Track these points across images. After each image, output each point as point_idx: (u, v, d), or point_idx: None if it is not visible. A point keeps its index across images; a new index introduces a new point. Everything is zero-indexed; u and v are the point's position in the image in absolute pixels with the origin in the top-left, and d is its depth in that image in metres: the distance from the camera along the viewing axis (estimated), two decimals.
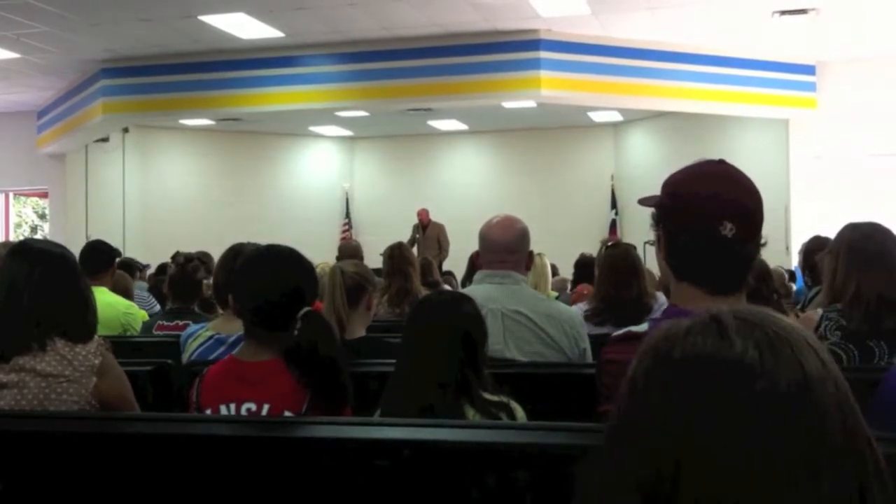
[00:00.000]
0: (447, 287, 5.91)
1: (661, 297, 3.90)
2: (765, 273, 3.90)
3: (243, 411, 2.04)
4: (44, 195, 14.11)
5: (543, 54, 9.25)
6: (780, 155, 10.75)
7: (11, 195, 14.44)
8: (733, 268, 1.55)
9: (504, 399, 2.10)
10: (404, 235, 11.27)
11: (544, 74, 9.27)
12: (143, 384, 2.46)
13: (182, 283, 4.08)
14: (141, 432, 1.87)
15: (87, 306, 2.23)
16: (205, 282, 4.22)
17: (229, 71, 10.15)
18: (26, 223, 17.98)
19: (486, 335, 2.21)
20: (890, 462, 0.74)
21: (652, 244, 1.66)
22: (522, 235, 2.95)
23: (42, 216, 17.25)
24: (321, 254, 6.08)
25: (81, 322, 2.19)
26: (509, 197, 13.26)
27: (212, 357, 2.82)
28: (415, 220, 12.44)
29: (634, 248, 4.03)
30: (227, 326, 2.94)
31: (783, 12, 8.50)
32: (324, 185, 15.18)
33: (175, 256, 4.24)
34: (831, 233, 2.90)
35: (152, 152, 13.80)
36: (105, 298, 4.09)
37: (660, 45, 9.56)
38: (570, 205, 14.00)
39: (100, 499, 1.78)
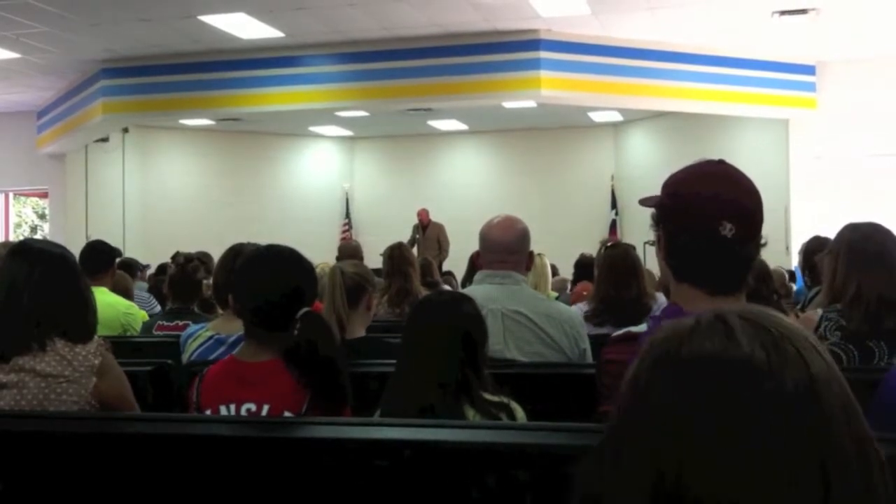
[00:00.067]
0: (447, 287, 5.91)
1: (661, 298, 3.90)
2: (765, 273, 3.90)
3: (243, 411, 2.04)
4: (44, 195, 14.11)
5: (543, 54, 9.25)
6: (779, 155, 10.75)
7: (11, 195, 14.44)
8: (733, 268, 1.55)
9: (504, 399, 2.10)
10: (404, 235, 11.27)
11: (544, 74, 9.27)
12: (143, 384, 2.46)
13: (182, 283, 4.08)
14: (141, 432, 1.87)
15: (87, 306, 2.23)
16: (205, 282, 4.22)
17: (229, 71, 10.15)
18: (26, 223, 17.99)
19: (486, 335, 2.21)
20: (890, 463, 0.74)
21: (652, 244, 1.66)
22: (523, 236, 2.95)
23: (42, 216, 17.25)
24: (321, 254, 6.08)
25: (81, 322, 2.19)
26: (509, 197, 13.26)
27: (212, 357, 2.82)
28: (415, 221, 12.44)
29: (634, 248, 4.03)
30: (227, 327, 2.94)
31: (783, 12, 8.50)
32: (324, 185, 15.18)
33: (175, 257, 4.24)
34: (831, 233, 2.90)
35: (152, 152, 13.80)
36: (105, 299, 4.09)
37: (660, 46, 9.57)
38: (570, 205, 13.99)
39: (100, 499, 1.78)
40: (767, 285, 3.87)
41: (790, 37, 9.34)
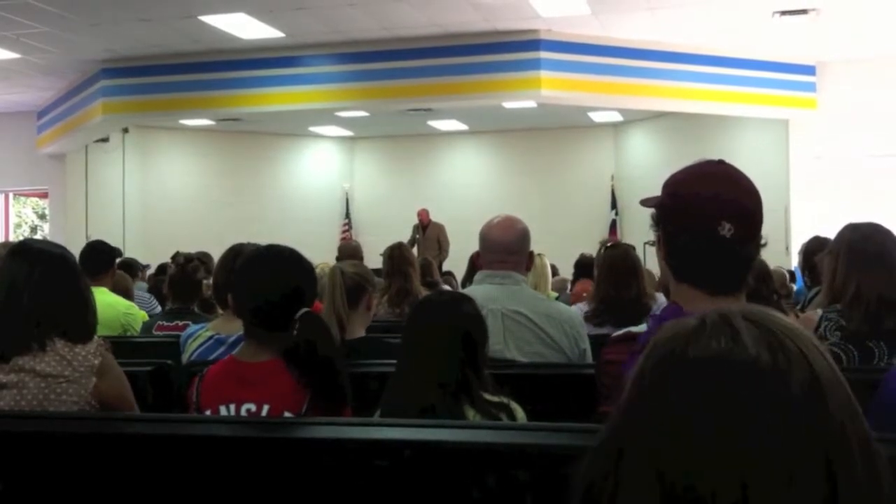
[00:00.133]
0: (447, 287, 5.91)
1: (661, 298, 3.90)
2: (764, 273, 3.90)
3: (243, 412, 2.04)
4: (44, 195, 14.10)
5: (543, 54, 9.25)
6: (779, 155, 10.75)
7: (11, 195, 14.44)
8: (733, 268, 1.55)
9: (504, 400, 2.10)
10: (404, 236, 11.27)
11: (544, 75, 9.27)
12: (142, 384, 2.46)
13: (182, 283, 4.08)
14: (140, 433, 1.87)
15: (87, 306, 2.23)
16: (205, 282, 4.22)
17: (229, 71, 10.15)
18: (26, 223, 17.98)
19: (486, 335, 2.21)
20: (890, 463, 0.74)
21: (652, 245, 1.66)
22: (523, 236, 2.95)
23: (42, 216, 17.24)
24: (321, 254, 6.08)
25: (81, 322, 2.19)
26: (509, 197, 13.26)
27: (212, 357, 2.82)
28: (415, 221, 12.45)
29: (633, 248, 4.04)
30: (227, 327, 2.94)
31: (783, 12, 8.50)
32: (324, 185, 15.18)
33: (175, 257, 4.24)
34: (831, 233, 2.90)
35: (152, 152, 13.80)
36: (105, 299, 4.09)
37: (660, 46, 9.57)
38: (571, 205, 13.99)
39: (100, 499, 1.78)
40: (767, 285, 3.87)
41: (790, 37, 9.34)
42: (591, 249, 6.17)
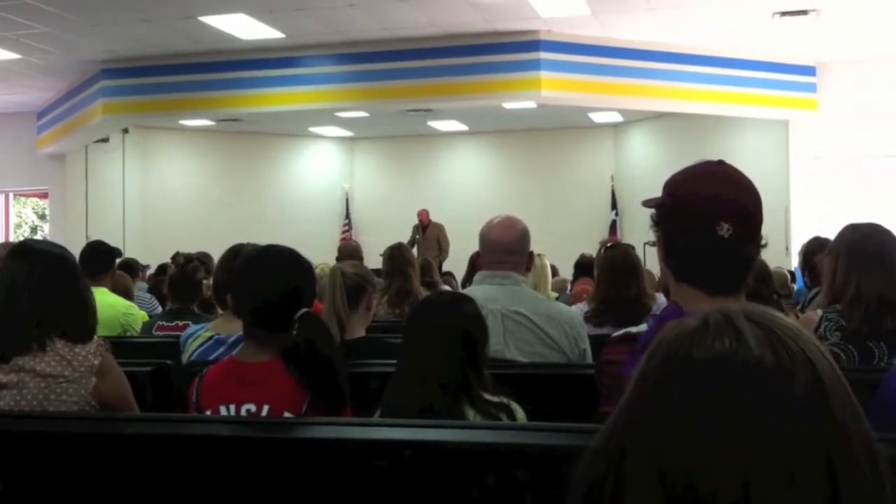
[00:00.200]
0: (447, 287, 5.91)
1: (661, 298, 3.90)
2: (764, 274, 3.90)
3: (243, 412, 2.04)
4: (44, 196, 14.11)
5: (543, 55, 9.26)
6: (780, 156, 10.75)
7: (11, 195, 14.44)
8: (732, 268, 1.55)
9: (504, 400, 2.10)
10: (404, 236, 11.27)
11: (544, 75, 9.27)
12: (142, 385, 2.45)
13: (182, 283, 4.08)
14: (140, 433, 1.87)
15: (87, 307, 2.23)
16: (205, 282, 4.22)
17: (229, 72, 10.15)
18: (26, 224, 17.98)
19: (486, 335, 2.21)
20: (890, 463, 0.74)
21: (652, 245, 1.66)
22: (522, 236, 2.95)
23: (42, 217, 17.24)
24: (321, 254, 6.09)
25: (81, 322, 2.19)
26: (509, 197, 13.26)
27: (211, 357, 2.82)
28: (415, 221, 12.45)
29: (633, 248, 4.04)
30: (227, 327, 2.93)
31: (783, 13, 8.50)
32: (324, 185, 15.18)
33: (175, 257, 4.24)
34: (831, 234, 2.90)
35: (152, 153, 13.81)
36: (105, 299, 4.09)
37: (660, 46, 9.57)
38: (570, 205, 14.00)
39: (100, 499, 1.78)
40: (767, 285, 3.88)
41: (790, 37, 9.34)
42: (591, 250, 6.17)
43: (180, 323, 3.92)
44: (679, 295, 1.58)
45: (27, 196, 15.78)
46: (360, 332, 2.92)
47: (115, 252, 4.66)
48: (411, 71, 9.68)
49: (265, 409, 2.03)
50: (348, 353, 2.66)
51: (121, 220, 12.74)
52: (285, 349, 2.05)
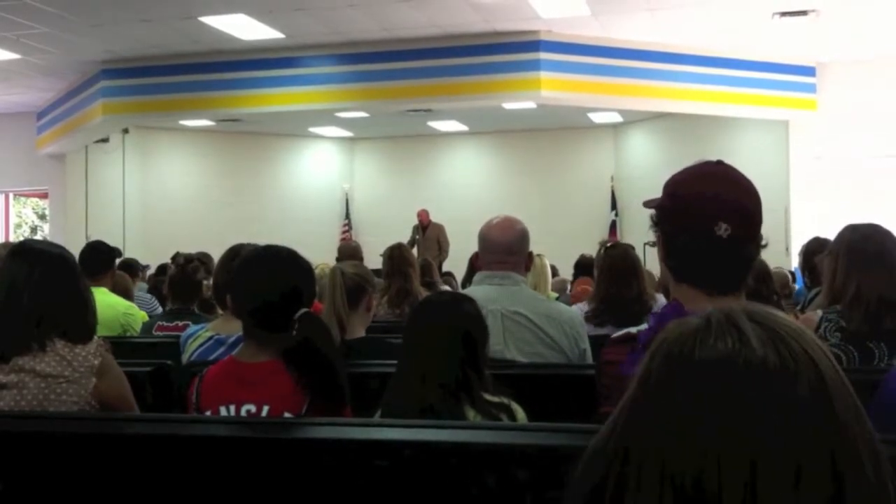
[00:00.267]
0: (447, 287, 5.91)
1: (661, 299, 3.90)
2: (764, 274, 3.90)
3: (243, 412, 2.03)
4: (44, 196, 14.11)
5: (543, 55, 9.26)
6: (779, 156, 10.75)
7: (11, 196, 14.44)
8: (731, 268, 1.55)
9: (505, 400, 2.10)
10: (404, 236, 11.27)
11: (544, 75, 9.27)
12: (142, 385, 2.45)
13: (182, 283, 4.08)
14: (140, 433, 1.87)
15: (87, 307, 2.23)
16: (205, 282, 4.22)
17: (229, 72, 10.16)
18: (26, 224, 17.98)
19: (486, 335, 2.21)
20: (891, 463, 0.74)
21: (652, 245, 1.66)
22: (522, 236, 2.95)
23: (42, 217, 17.24)
24: (321, 254, 6.09)
25: (81, 323, 2.19)
26: (509, 198, 13.26)
27: (211, 358, 2.82)
28: (415, 221, 12.45)
29: (633, 248, 4.04)
30: (227, 327, 2.93)
31: (783, 13, 8.50)
32: (324, 185, 15.18)
33: (175, 257, 4.24)
34: (831, 234, 2.90)
35: (152, 153, 13.81)
36: (105, 299, 4.09)
37: (660, 47, 9.57)
38: (570, 206, 14.00)
39: (99, 499, 1.78)
40: (767, 285, 3.88)
41: (790, 38, 9.34)
42: (591, 250, 6.18)
43: (180, 323, 3.92)
44: (679, 295, 1.58)
45: (27, 196, 15.78)
46: (361, 333, 2.92)
47: (115, 252, 4.66)
48: (411, 71, 9.68)
49: (265, 409, 2.03)
50: (348, 353, 2.66)
51: (121, 220, 12.74)
52: (285, 349, 2.04)
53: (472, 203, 13.33)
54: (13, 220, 15.16)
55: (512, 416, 2.08)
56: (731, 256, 1.51)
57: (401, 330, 2.30)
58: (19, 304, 2.12)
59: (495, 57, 9.37)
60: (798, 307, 4.37)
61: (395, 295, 4.52)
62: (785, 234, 10.13)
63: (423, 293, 4.41)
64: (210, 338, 2.96)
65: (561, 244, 9.90)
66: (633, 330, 1.66)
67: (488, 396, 2.08)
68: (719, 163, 1.59)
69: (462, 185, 14.70)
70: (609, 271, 3.82)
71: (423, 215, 12.44)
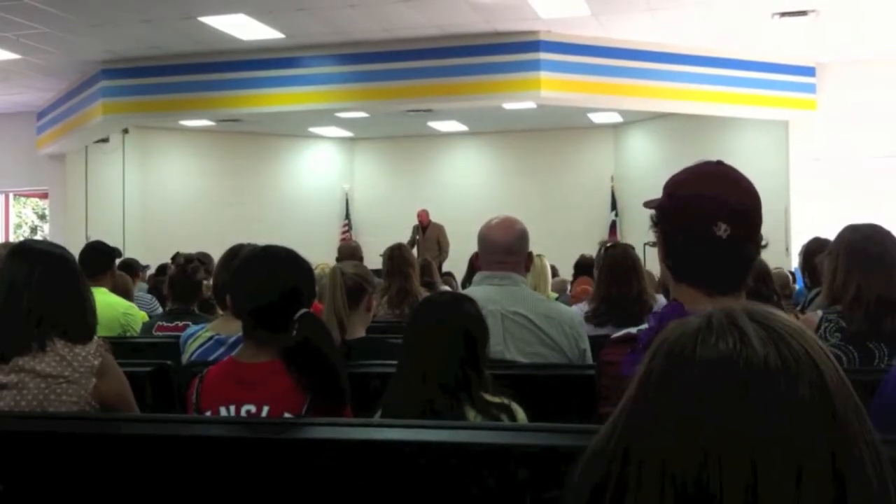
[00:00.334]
0: (446, 287, 5.91)
1: (661, 299, 3.90)
2: (764, 273, 3.90)
3: (243, 413, 2.03)
4: (44, 196, 14.10)
5: (543, 55, 9.26)
6: (779, 156, 10.75)
7: (11, 196, 14.44)
8: (731, 268, 1.55)
9: (505, 400, 2.10)
10: (404, 236, 11.27)
11: (544, 76, 9.27)
12: (142, 385, 2.45)
13: (182, 283, 4.08)
14: (140, 433, 1.87)
15: (87, 307, 2.23)
16: (205, 283, 4.22)
17: (229, 72, 10.15)
18: (26, 224, 17.98)
19: (487, 335, 2.21)
20: (891, 464, 0.74)
21: (652, 245, 1.66)
22: (522, 236, 2.95)
23: (42, 217, 17.24)
24: (321, 255, 6.09)
25: (81, 323, 2.19)
26: (509, 198, 13.26)
27: (211, 358, 2.82)
28: (414, 221, 12.44)
29: (633, 248, 4.04)
30: (227, 327, 2.93)
31: (783, 14, 8.50)
32: (324, 185, 15.18)
33: (175, 257, 4.24)
34: (831, 234, 2.90)
35: (152, 153, 13.80)
36: (105, 299, 4.09)
37: (659, 47, 9.57)
38: (570, 206, 14.00)
39: (100, 499, 1.78)
40: (767, 285, 3.88)
41: (790, 38, 9.34)
42: (591, 250, 6.18)
43: (180, 323, 3.92)
44: (679, 295, 1.59)
45: (27, 196, 15.78)
46: (361, 333, 2.92)
47: (115, 252, 4.66)
48: (411, 71, 9.68)
49: (265, 409, 2.03)
50: (348, 353, 2.66)
51: (121, 220, 12.74)
52: (285, 350, 2.04)
53: (472, 203, 13.33)
54: (13, 220, 15.16)
55: (512, 417, 2.08)
56: (730, 256, 1.52)
57: (401, 330, 2.30)
58: (19, 304, 2.12)
59: (495, 57, 9.37)
60: (798, 307, 4.37)
61: (395, 295, 4.52)
62: (785, 234, 10.13)
63: (423, 293, 4.41)
64: (210, 338, 2.96)
65: (561, 244, 9.90)
66: (634, 330, 1.66)
67: (488, 396, 2.08)
68: (719, 163, 1.59)
69: (462, 185, 14.70)
70: (609, 271, 3.82)
71: (422, 215, 12.44)
